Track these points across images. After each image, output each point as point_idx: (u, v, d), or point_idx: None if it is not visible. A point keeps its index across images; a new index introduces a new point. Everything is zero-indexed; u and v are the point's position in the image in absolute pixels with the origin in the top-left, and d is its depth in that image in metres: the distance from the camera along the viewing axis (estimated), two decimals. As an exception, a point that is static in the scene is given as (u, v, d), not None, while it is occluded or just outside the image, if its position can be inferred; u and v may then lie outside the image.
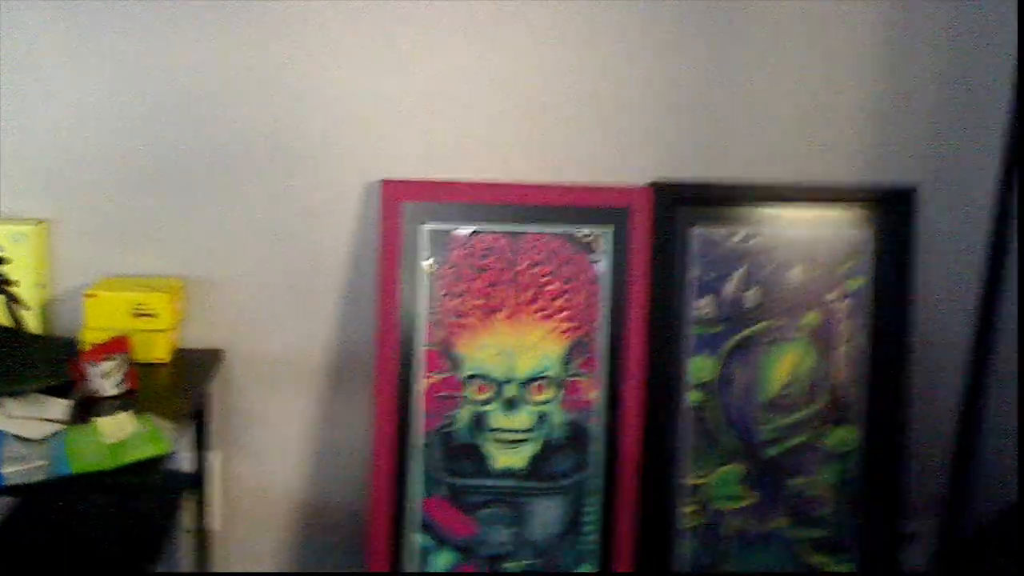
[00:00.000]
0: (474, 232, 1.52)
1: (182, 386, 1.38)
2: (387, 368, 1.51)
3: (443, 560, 1.54)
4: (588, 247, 1.55)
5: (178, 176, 1.49)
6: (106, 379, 1.26)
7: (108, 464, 1.10)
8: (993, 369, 1.71)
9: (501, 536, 1.55)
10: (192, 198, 1.50)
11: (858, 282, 1.61)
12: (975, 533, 1.76)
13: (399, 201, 1.50)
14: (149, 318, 1.40)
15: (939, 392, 1.72)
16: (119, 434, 1.16)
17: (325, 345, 1.57)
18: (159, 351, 1.42)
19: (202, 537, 1.56)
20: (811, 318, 1.60)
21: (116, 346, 1.31)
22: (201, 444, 1.52)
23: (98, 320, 1.39)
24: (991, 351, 1.70)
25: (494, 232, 1.52)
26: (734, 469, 1.61)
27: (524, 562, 1.56)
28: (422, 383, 1.52)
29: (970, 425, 1.72)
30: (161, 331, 1.41)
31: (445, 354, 1.53)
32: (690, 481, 1.60)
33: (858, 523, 1.64)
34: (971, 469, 1.75)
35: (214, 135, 1.48)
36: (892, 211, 1.60)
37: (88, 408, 1.23)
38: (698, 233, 1.57)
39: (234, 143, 1.48)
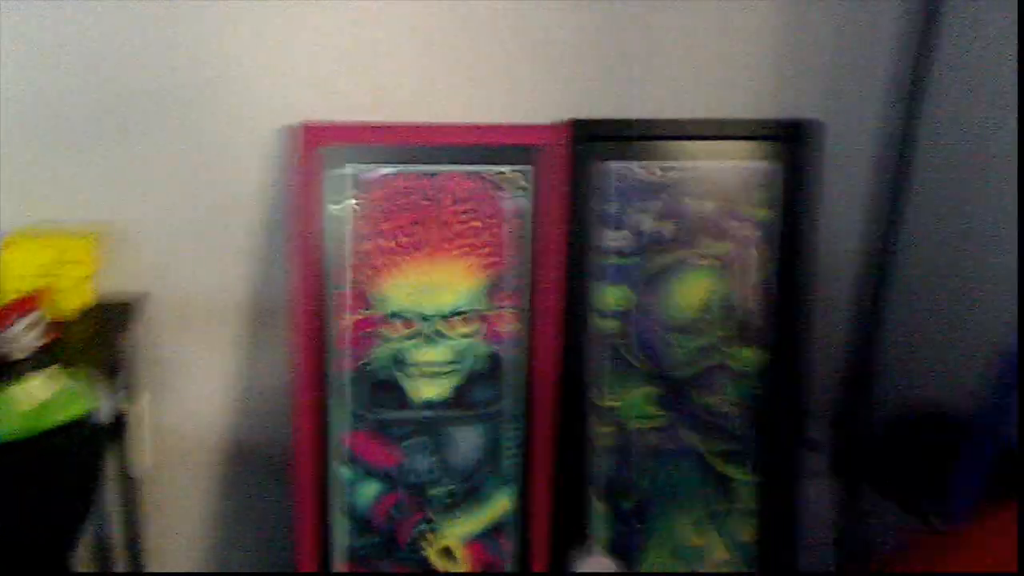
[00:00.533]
0: (394, 173, 1.51)
1: (103, 336, 1.36)
2: (306, 308, 1.52)
3: (369, 490, 1.59)
4: (508, 184, 1.56)
5: (84, 123, 1.43)
6: (17, 341, 1.24)
7: (30, 429, 1.10)
8: (887, 295, 1.81)
9: (424, 464, 1.60)
10: (100, 145, 1.45)
11: (765, 212, 1.66)
12: (872, 437, 1.89)
13: (317, 143, 1.48)
14: (72, 265, 1.37)
15: (839, 311, 1.82)
16: (39, 397, 1.15)
17: (246, 288, 1.57)
18: (77, 300, 1.39)
19: (130, 482, 1.57)
20: (721, 248, 1.66)
21: (26, 304, 1.28)
22: (124, 390, 1.52)
23: (16, 271, 1.35)
24: (887, 273, 1.79)
25: (413, 173, 1.52)
26: (647, 390, 1.68)
27: (448, 487, 1.61)
28: (343, 322, 1.54)
29: (866, 341, 1.83)
30: (83, 278, 1.38)
31: (366, 294, 1.54)
32: (605, 403, 1.66)
33: (762, 435, 1.74)
34: (866, 383, 1.86)
35: (125, 80, 1.42)
36: (797, 144, 1.65)
37: (2, 374, 1.21)
38: (613, 168, 1.60)
39: (146, 88, 1.43)
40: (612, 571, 0.86)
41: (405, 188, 1.52)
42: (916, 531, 1.71)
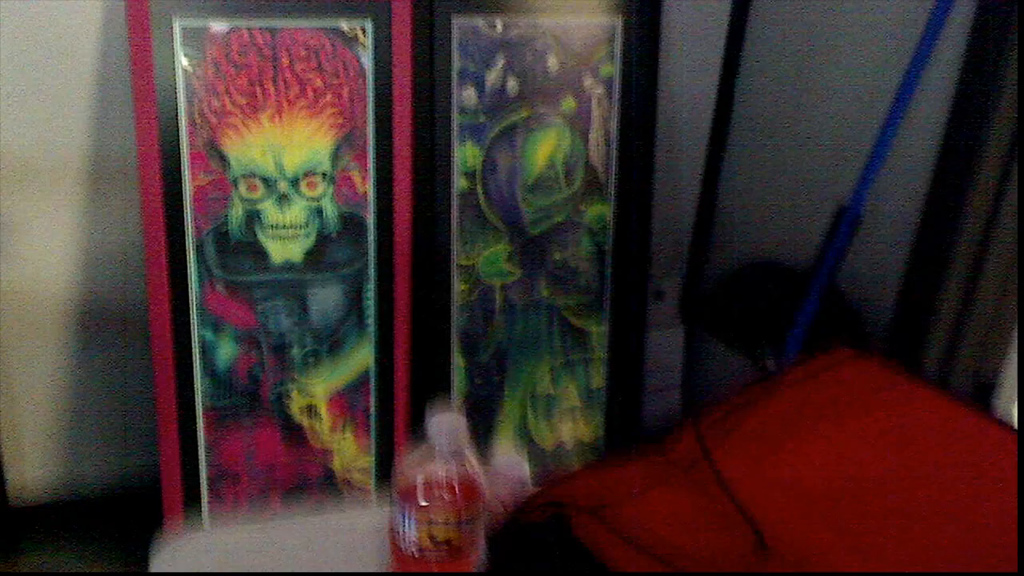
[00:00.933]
0: (231, 27, 1.48)
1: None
2: (150, 170, 1.49)
3: (226, 351, 1.61)
4: (352, 40, 1.54)
5: None
6: None
7: None
8: (730, 145, 1.89)
9: (284, 324, 1.62)
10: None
11: (610, 69, 1.70)
12: (714, 288, 2.01)
13: (146, -5, 1.43)
14: None
15: (683, 166, 1.90)
16: None
17: (83, 149, 1.52)
18: None
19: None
20: (568, 104, 1.69)
21: None
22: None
23: None
24: (727, 128, 1.87)
25: (252, 28, 1.49)
26: (501, 248, 1.73)
27: (307, 348, 1.65)
28: (190, 184, 1.52)
29: (707, 196, 1.92)
30: None
31: (212, 155, 1.52)
32: (461, 262, 1.71)
33: (612, 287, 1.82)
34: (708, 233, 1.96)
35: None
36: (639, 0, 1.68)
37: None
38: (459, 24, 1.60)
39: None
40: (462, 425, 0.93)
41: (241, 44, 1.49)
42: (752, 373, 1.85)
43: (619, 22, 1.68)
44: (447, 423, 0.87)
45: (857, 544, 0.72)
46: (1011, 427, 0.84)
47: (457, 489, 0.86)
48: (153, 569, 0.99)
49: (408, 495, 0.87)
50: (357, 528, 0.91)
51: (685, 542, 0.72)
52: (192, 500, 1.63)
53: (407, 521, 0.86)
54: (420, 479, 0.87)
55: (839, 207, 1.56)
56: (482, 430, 1.78)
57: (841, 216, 1.56)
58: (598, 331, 1.83)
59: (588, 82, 1.70)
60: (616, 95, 1.72)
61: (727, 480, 0.77)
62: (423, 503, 0.86)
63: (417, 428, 1.55)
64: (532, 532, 0.74)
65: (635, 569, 0.70)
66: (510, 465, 0.96)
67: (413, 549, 0.87)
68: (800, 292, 1.66)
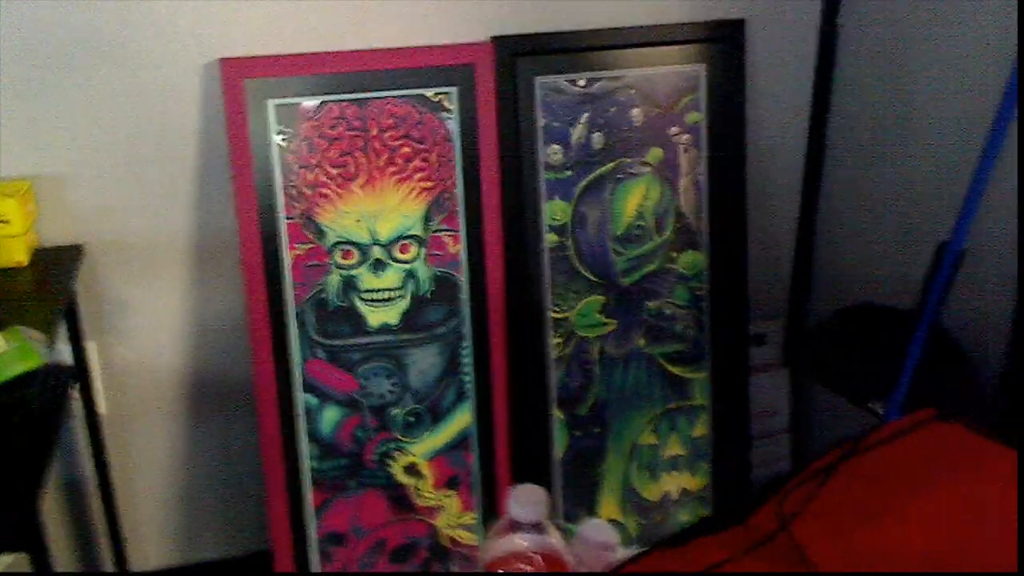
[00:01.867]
0: (321, 103, 1.53)
1: (46, 287, 1.39)
2: (251, 244, 1.55)
3: (330, 415, 1.64)
4: (437, 107, 1.58)
5: (5, 74, 1.44)
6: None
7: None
8: (824, 186, 1.85)
9: (383, 387, 1.65)
10: (27, 94, 1.45)
11: (696, 116, 1.69)
12: (814, 330, 1.95)
13: (241, 78, 1.49)
14: (2, 224, 1.39)
15: (778, 208, 1.86)
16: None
17: (186, 228, 1.59)
18: (16, 255, 1.42)
19: (92, 422, 1.62)
20: (655, 154, 1.69)
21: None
22: (77, 337, 1.55)
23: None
24: (821, 167, 1.83)
25: (341, 101, 1.54)
26: (594, 300, 1.73)
27: (408, 408, 1.67)
28: (288, 255, 1.57)
29: (805, 237, 1.88)
30: (15, 236, 1.41)
31: (308, 225, 1.57)
32: (555, 316, 1.71)
33: (710, 334, 1.79)
34: (808, 275, 1.92)
35: (47, 26, 1.42)
36: (722, 44, 1.67)
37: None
38: (541, 82, 1.62)
39: (70, 33, 1.43)
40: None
41: (334, 117, 1.54)
42: (862, 421, 1.78)
43: (702, 69, 1.68)
44: (527, 495, 0.87)
45: None
46: None
47: (540, 560, 0.86)
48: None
49: (492, 568, 0.86)
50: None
51: None
52: (302, 564, 1.66)
53: None
54: (503, 552, 0.86)
55: (940, 243, 1.51)
56: (585, 485, 1.77)
57: (942, 252, 1.50)
58: (698, 379, 1.80)
59: (674, 131, 1.69)
60: (703, 142, 1.70)
61: (807, 553, 0.74)
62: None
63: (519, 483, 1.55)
64: None
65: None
66: (597, 531, 0.95)
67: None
68: (905, 334, 1.60)
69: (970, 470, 0.84)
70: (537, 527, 0.87)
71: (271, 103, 1.51)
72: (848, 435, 0.92)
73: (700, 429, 1.81)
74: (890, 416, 1.58)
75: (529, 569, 0.86)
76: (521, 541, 0.87)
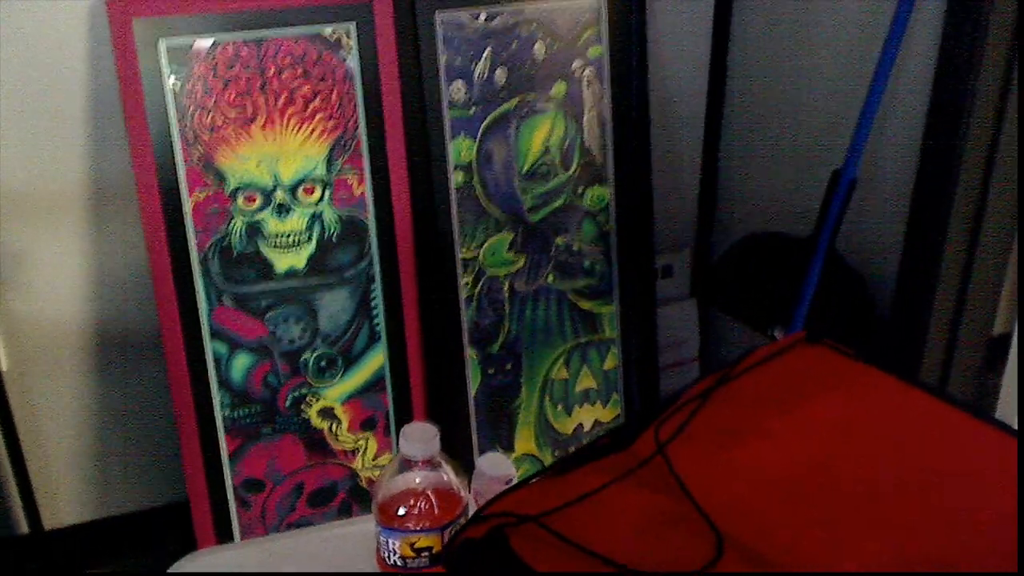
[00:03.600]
0: (214, 43, 1.49)
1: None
2: (149, 191, 1.51)
3: (241, 362, 1.62)
4: (336, 45, 1.55)
5: None
6: None
7: None
8: (725, 119, 1.88)
9: (293, 333, 1.64)
10: None
11: (598, 50, 1.69)
12: (717, 261, 2.01)
13: (129, 18, 1.44)
14: None
15: (681, 143, 1.89)
16: None
17: (82, 177, 1.54)
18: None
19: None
20: (558, 89, 1.69)
21: None
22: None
23: None
24: (722, 102, 1.86)
25: (235, 40, 1.50)
26: (503, 237, 1.73)
27: (319, 352, 1.66)
28: (189, 201, 1.54)
29: (709, 169, 1.91)
30: None
31: (207, 170, 1.53)
32: (464, 255, 1.72)
33: (619, 268, 1.82)
34: (712, 207, 1.96)
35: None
36: (622, -22, 1.68)
37: None
38: (442, 18, 1.60)
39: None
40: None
41: (227, 58, 1.50)
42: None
43: (603, 2, 1.68)
44: (418, 432, 0.88)
45: (818, 533, 0.71)
46: (967, 406, 0.84)
47: (433, 497, 0.87)
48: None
49: (385, 508, 0.88)
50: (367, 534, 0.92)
51: (637, 542, 0.72)
52: (221, 512, 1.66)
53: (388, 533, 0.87)
54: (396, 490, 0.88)
55: (833, 171, 1.55)
56: (501, 421, 1.79)
57: (836, 180, 1.55)
58: (607, 312, 1.83)
59: (577, 65, 1.69)
60: (606, 76, 1.71)
61: (683, 476, 0.76)
62: (400, 514, 0.87)
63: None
64: (471, 549, 0.73)
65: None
66: (494, 464, 0.96)
67: (396, 560, 0.88)
68: (803, 261, 1.66)
69: (832, 388, 0.88)
70: (430, 463, 0.88)
71: (163, 43, 1.47)
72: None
73: (611, 362, 1.84)
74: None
75: (424, 506, 0.87)
76: (414, 478, 0.88)
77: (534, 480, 0.83)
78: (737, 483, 0.77)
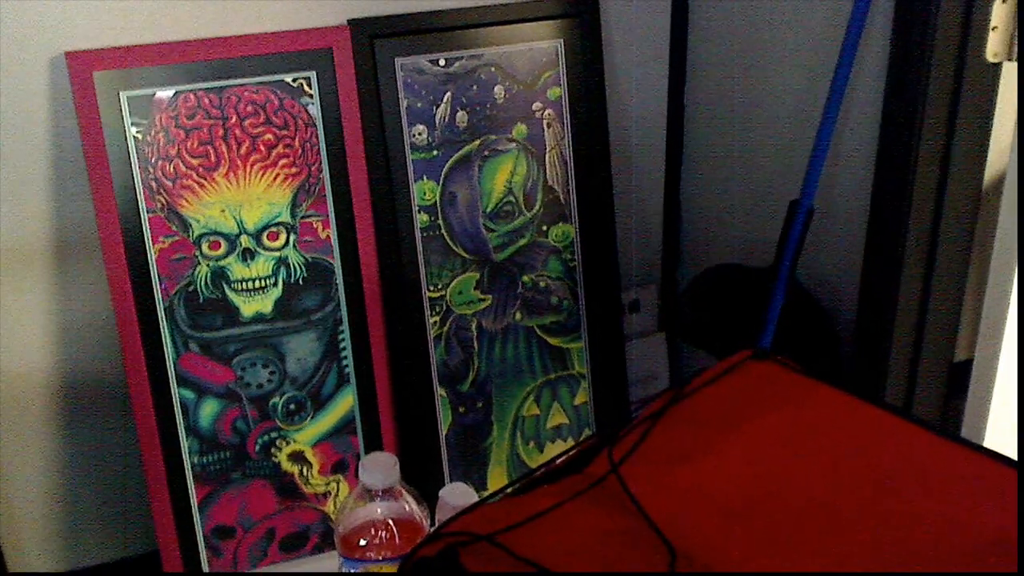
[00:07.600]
0: (175, 93, 1.51)
1: None
2: (112, 240, 1.52)
3: (209, 408, 1.63)
4: (298, 92, 1.57)
5: None
6: None
7: None
8: (685, 152, 1.91)
9: (261, 377, 1.64)
10: None
11: (557, 91, 1.73)
12: (681, 294, 2.03)
13: (90, 71, 1.46)
14: None
15: (643, 178, 1.92)
16: None
17: (44, 227, 1.55)
18: None
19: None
20: (519, 130, 1.72)
21: None
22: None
23: None
24: (681, 137, 1.89)
25: (197, 90, 1.52)
26: (469, 277, 1.75)
27: (288, 395, 1.66)
28: (153, 249, 1.54)
29: (671, 204, 1.94)
30: None
31: (171, 218, 1.55)
32: (431, 295, 1.73)
33: (586, 303, 1.84)
34: (676, 240, 1.98)
35: None
36: (578, 20, 1.71)
37: None
38: (402, 63, 1.63)
39: None
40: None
41: (189, 108, 1.52)
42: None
43: (560, 44, 1.71)
44: (377, 463, 0.89)
45: (769, 548, 0.73)
46: (911, 416, 0.86)
47: (395, 527, 0.88)
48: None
49: (347, 539, 0.88)
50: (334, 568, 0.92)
51: (591, 559, 0.73)
52: (192, 560, 1.65)
53: (350, 564, 0.88)
54: (358, 522, 0.89)
55: (791, 201, 1.58)
56: (473, 459, 1.80)
57: (793, 210, 1.58)
58: (576, 348, 1.85)
59: (537, 106, 1.72)
60: (566, 116, 1.74)
61: (636, 494, 0.78)
62: (362, 544, 0.88)
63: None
64: (423, 567, 0.74)
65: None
66: (457, 494, 0.97)
67: (359, 590, 0.89)
68: (765, 291, 1.68)
69: (780, 404, 0.89)
70: (390, 492, 0.89)
71: (124, 95, 1.48)
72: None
73: (581, 397, 1.86)
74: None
75: (384, 536, 0.88)
76: (375, 508, 0.89)
77: (493, 500, 0.84)
78: (690, 501, 0.78)
